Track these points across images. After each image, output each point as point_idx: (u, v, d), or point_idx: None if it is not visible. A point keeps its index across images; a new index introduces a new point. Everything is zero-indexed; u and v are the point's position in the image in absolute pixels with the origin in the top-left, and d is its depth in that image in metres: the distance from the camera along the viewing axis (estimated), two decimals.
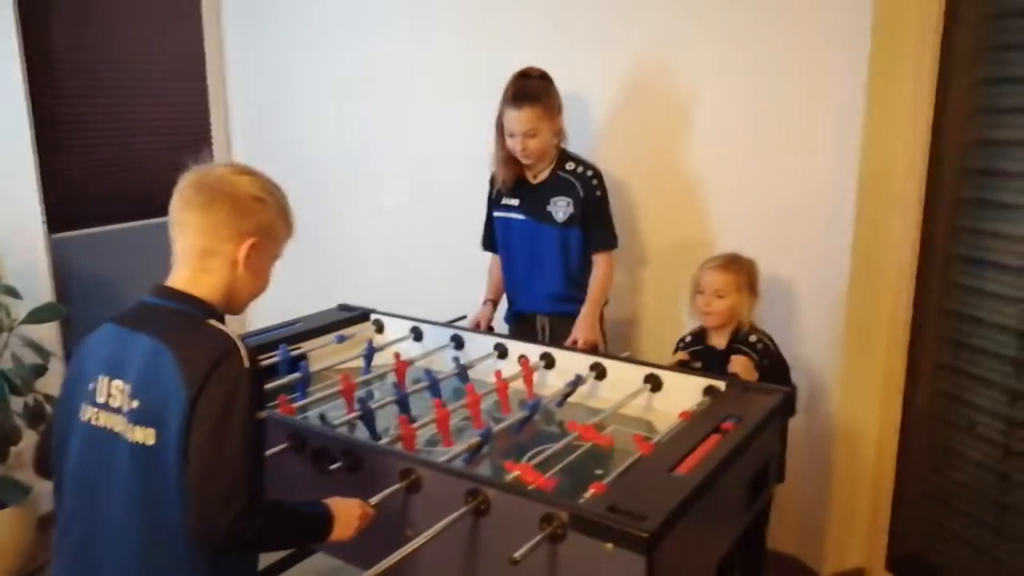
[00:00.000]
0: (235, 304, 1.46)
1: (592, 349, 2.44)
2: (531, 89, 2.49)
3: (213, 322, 1.37)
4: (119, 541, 1.33)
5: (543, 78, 2.53)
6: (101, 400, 1.36)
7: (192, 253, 1.40)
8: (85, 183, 3.32)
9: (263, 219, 1.42)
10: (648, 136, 2.85)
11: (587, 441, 1.83)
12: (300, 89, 3.60)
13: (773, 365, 2.31)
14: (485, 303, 2.78)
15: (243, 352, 1.32)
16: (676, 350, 2.45)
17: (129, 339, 1.36)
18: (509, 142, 2.54)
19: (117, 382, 1.35)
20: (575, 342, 2.47)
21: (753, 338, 2.32)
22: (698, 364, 2.32)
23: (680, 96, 2.76)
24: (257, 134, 3.74)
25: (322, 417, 1.90)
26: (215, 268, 1.40)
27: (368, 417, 1.95)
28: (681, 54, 2.72)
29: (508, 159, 2.59)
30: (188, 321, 1.37)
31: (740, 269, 2.35)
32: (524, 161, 2.57)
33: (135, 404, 1.32)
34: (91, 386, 1.37)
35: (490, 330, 2.68)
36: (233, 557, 1.38)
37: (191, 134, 3.68)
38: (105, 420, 1.35)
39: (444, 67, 3.25)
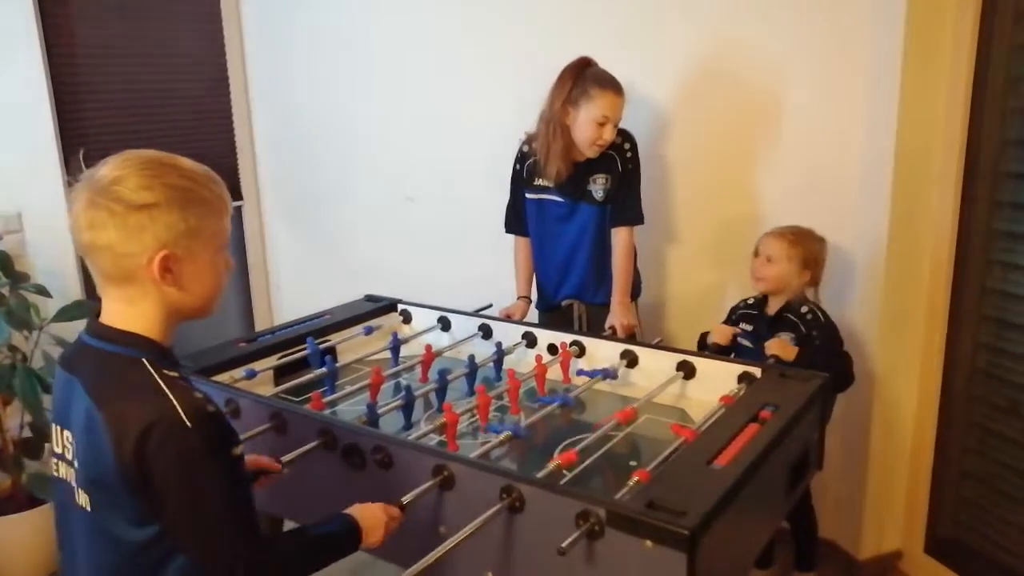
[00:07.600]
0: (187, 317, 1.24)
1: (630, 335, 2.40)
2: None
3: (149, 368, 1.16)
4: None
5: None
6: (58, 450, 1.25)
7: (107, 281, 1.19)
8: None
9: (163, 223, 1.16)
10: (677, 114, 2.79)
11: (617, 419, 1.80)
12: (322, 78, 3.56)
13: (824, 337, 2.30)
14: (519, 299, 2.71)
15: (180, 410, 1.12)
16: (734, 311, 2.48)
17: (72, 387, 1.20)
18: (595, 131, 2.43)
19: (67, 433, 1.22)
20: (613, 329, 2.43)
21: (804, 308, 2.34)
22: (749, 328, 2.40)
23: (710, 71, 2.70)
24: (279, 126, 3.70)
25: (369, 408, 1.87)
26: (137, 296, 1.18)
27: (409, 407, 1.95)
28: (720, 28, 2.66)
29: (566, 149, 2.49)
30: (120, 370, 1.18)
31: (797, 241, 2.35)
32: (594, 152, 2.49)
33: (77, 465, 1.19)
34: (53, 433, 1.26)
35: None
36: None
37: (214, 131, 3.65)
38: (64, 471, 1.24)
39: (471, 56, 3.17)
